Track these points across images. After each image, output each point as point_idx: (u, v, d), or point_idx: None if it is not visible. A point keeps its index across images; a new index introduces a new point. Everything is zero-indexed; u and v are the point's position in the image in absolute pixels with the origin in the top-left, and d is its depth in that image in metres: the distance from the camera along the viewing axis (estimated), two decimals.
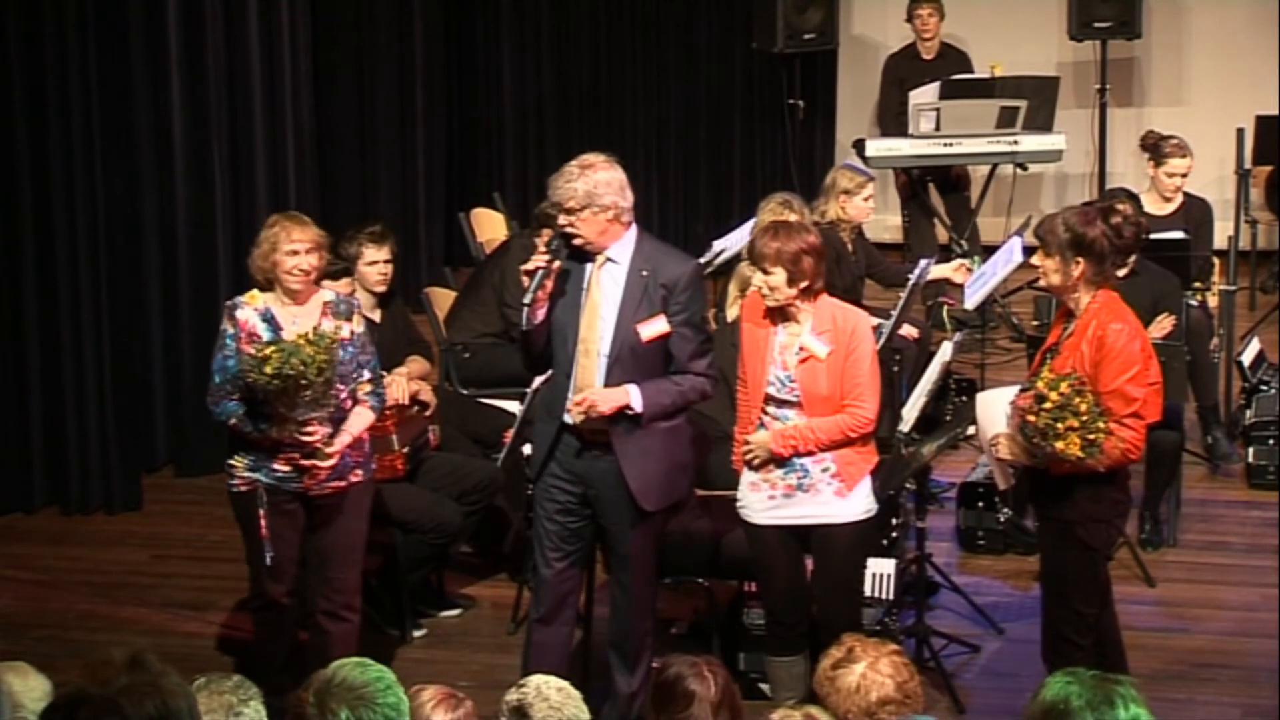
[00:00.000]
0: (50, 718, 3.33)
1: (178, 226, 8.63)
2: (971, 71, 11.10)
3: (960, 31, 11.60)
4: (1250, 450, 8.35)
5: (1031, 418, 5.49)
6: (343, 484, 6.08)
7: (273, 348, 5.84)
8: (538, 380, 6.31)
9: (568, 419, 5.81)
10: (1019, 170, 10.81)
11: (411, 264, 10.87)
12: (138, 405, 8.57)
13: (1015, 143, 10.45)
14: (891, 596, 6.74)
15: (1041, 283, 5.91)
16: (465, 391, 8.03)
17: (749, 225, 8.13)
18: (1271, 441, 8.28)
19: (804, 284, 5.77)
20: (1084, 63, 11.73)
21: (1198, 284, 8.36)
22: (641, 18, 12.33)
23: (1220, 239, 9.08)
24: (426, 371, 7.44)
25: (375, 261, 7.23)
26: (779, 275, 5.75)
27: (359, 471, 6.14)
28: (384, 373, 7.00)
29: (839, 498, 5.85)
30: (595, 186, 5.69)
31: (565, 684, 4.14)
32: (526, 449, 6.59)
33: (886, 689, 4.19)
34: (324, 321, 6.03)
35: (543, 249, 5.76)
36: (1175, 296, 7.77)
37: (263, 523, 6.00)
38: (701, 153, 12.49)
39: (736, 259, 7.90)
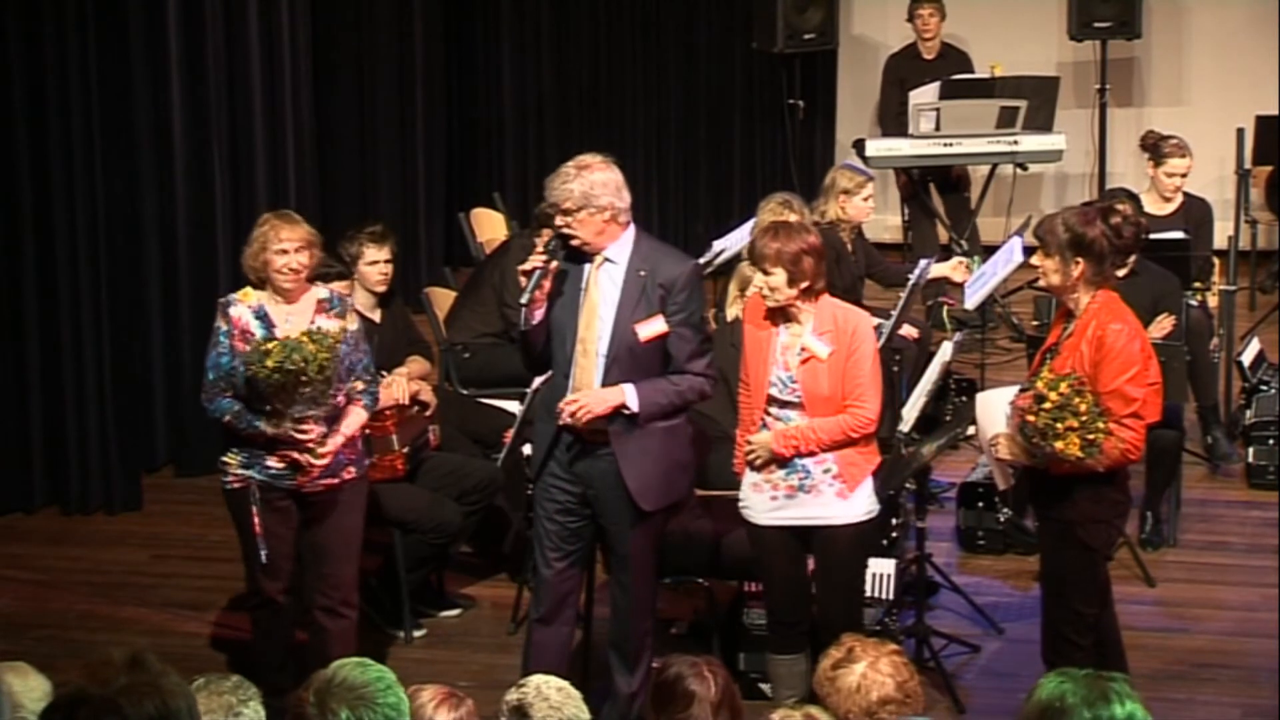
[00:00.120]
0: (50, 718, 3.33)
1: (178, 226, 8.63)
2: (972, 71, 11.10)
3: (960, 31, 11.60)
4: (1250, 450, 8.35)
5: (1031, 418, 5.49)
6: (335, 481, 6.09)
7: (275, 342, 5.84)
8: (538, 380, 6.31)
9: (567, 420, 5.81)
10: (1019, 170, 10.81)
11: (411, 264, 10.87)
12: (138, 405, 8.57)
13: (1015, 143, 10.45)
14: (891, 596, 6.75)
15: (1041, 283, 5.91)
16: (465, 391, 8.03)
17: (749, 225, 8.13)
18: (1271, 441, 8.28)
19: (804, 284, 5.77)
20: (1084, 63, 11.73)
21: (1198, 284, 8.36)
22: (641, 18, 12.33)
23: (1220, 239, 9.09)
24: (426, 371, 7.44)
25: (376, 261, 7.22)
26: (779, 276, 5.75)
27: (352, 469, 6.14)
28: (384, 373, 7.02)
29: (841, 499, 5.84)
30: (592, 187, 5.68)
31: (565, 684, 4.14)
32: (526, 449, 6.59)
33: (887, 689, 4.19)
34: (318, 319, 6.03)
35: (540, 249, 5.76)
36: (1175, 296, 7.77)
37: (256, 520, 6.00)
38: (701, 153, 12.49)
39: (736, 259, 7.90)
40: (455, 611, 7.23)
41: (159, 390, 8.72)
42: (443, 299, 8.55)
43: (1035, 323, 9.98)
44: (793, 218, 7.36)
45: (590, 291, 5.76)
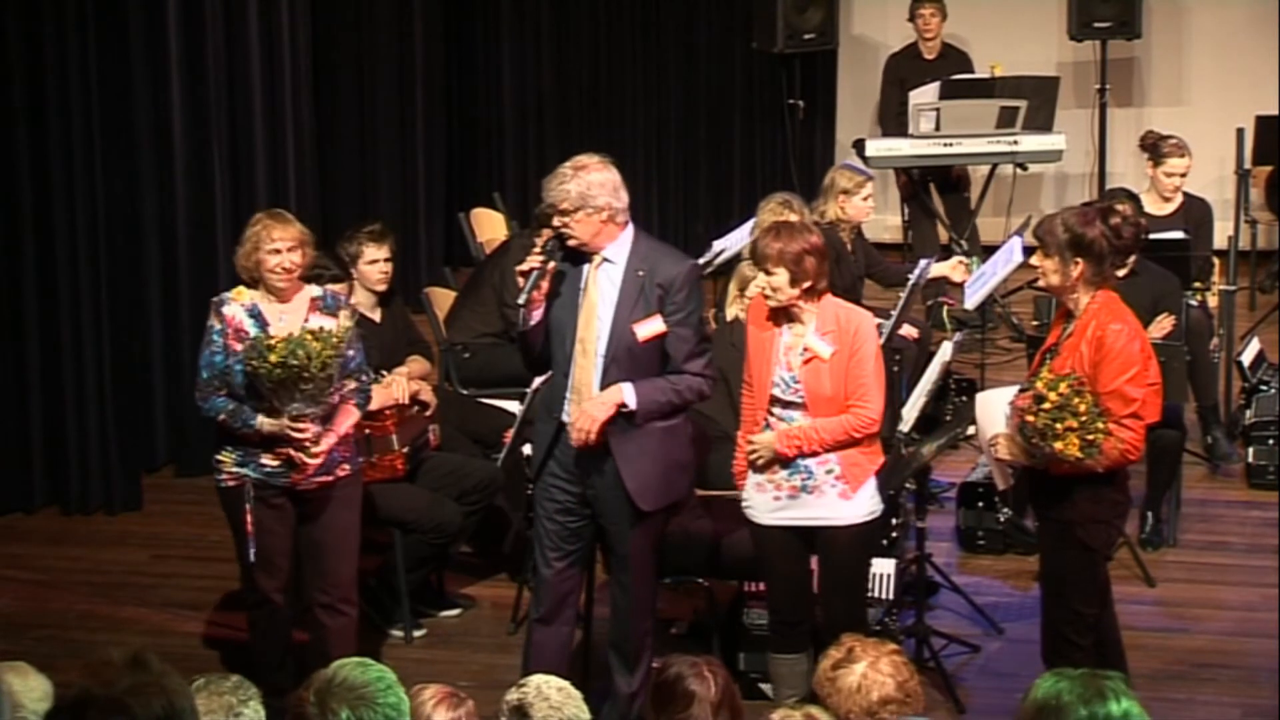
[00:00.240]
0: (57, 718, 3.33)
1: (178, 226, 8.63)
2: (972, 71, 11.11)
3: (961, 31, 11.60)
4: (1250, 450, 8.35)
5: (1030, 418, 5.49)
6: (330, 478, 6.09)
7: (280, 339, 5.85)
8: (538, 380, 6.31)
9: (566, 419, 5.81)
10: (1019, 170, 10.81)
11: (411, 264, 10.87)
12: (138, 405, 8.57)
13: (1015, 143, 10.45)
14: (891, 596, 6.75)
15: (1041, 283, 5.90)
16: (465, 391, 8.03)
17: (749, 225, 8.13)
18: (1271, 441, 8.28)
19: (807, 284, 5.76)
20: (1084, 63, 11.73)
21: (1198, 284, 8.36)
22: (641, 18, 12.33)
23: (1220, 239, 9.09)
24: (427, 371, 7.44)
25: (376, 260, 7.22)
26: (781, 276, 5.75)
27: (346, 466, 6.15)
28: (384, 373, 7.02)
29: (843, 499, 5.84)
30: (589, 188, 5.68)
31: (565, 684, 4.14)
32: (526, 449, 6.59)
33: (887, 688, 4.19)
34: (312, 318, 6.03)
35: (538, 250, 5.76)
36: (1175, 296, 7.77)
37: (248, 518, 6.00)
38: (701, 153, 12.49)
39: (736, 259, 7.91)
40: (455, 611, 7.23)
41: (159, 390, 8.72)
42: (443, 299, 8.55)
43: (1035, 323, 9.99)
44: (793, 218, 7.36)
45: (589, 291, 5.76)
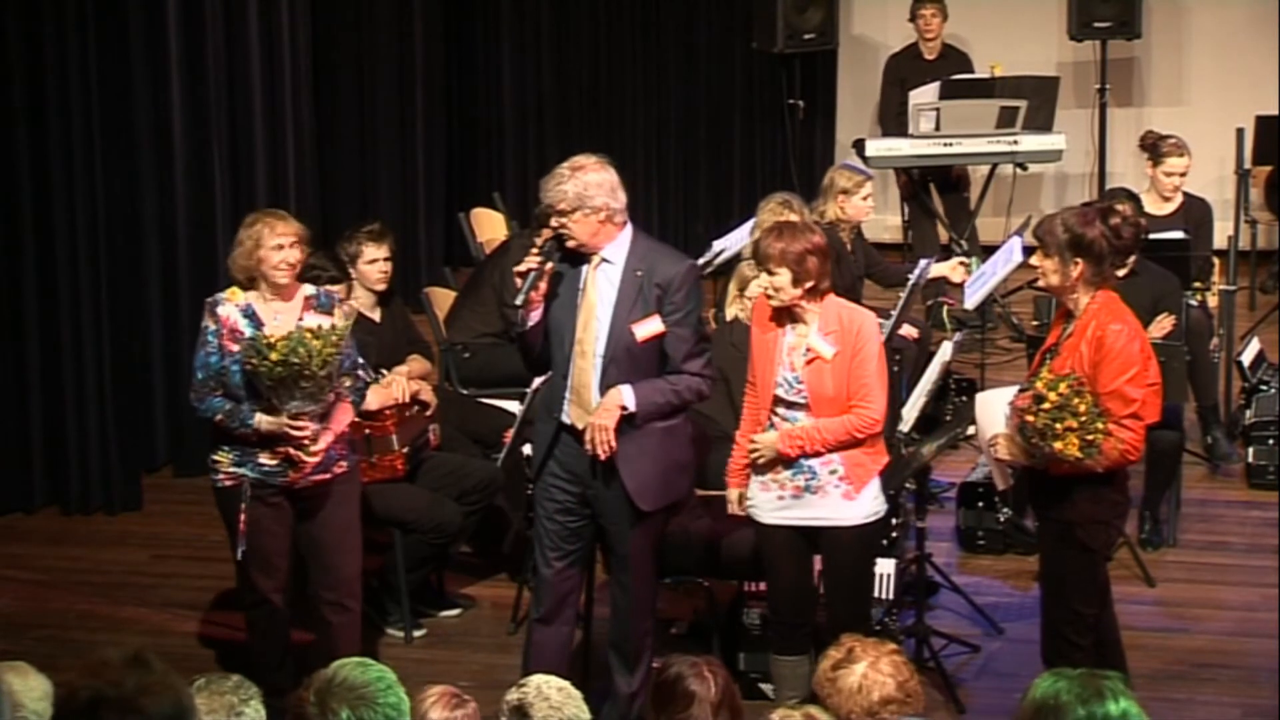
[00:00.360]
0: None
1: (178, 226, 8.63)
2: (972, 71, 11.11)
3: (961, 32, 11.60)
4: (1250, 450, 8.35)
5: (1030, 418, 5.49)
6: (327, 476, 6.09)
7: (280, 337, 5.85)
8: (537, 380, 6.31)
9: (566, 420, 5.81)
10: (1019, 170, 10.81)
11: (411, 264, 10.87)
12: (138, 405, 8.58)
13: (1015, 143, 10.45)
14: (891, 596, 6.74)
15: (1041, 283, 5.90)
16: (465, 391, 8.02)
17: (749, 225, 8.13)
18: (1271, 441, 8.28)
19: (809, 284, 5.76)
20: (1084, 63, 11.73)
21: (1198, 284, 8.35)
22: (641, 18, 12.33)
23: (1220, 239, 9.08)
24: (427, 371, 7.44)
25: (375, 260, 7.23)
26: (784, 276, 5.75)
27: (343, 463, 6.15)
28: (384, 371, 7.02)
29: (847, 500, 5.84)
30: (586, 189, 5.68)
31: (565, 684, 4.14)
32: (526, 449, 6.59)
33: (888, 688, 4.19)
34: (307, 316, 6.03)
35: (535, 251, 5.75)
36: (1175, 296, 7.77)
37: (241, 517, 5.99)
38: (701, 153, 12.49)
39: (736, 259, 7.91)
40: (455, 611, 7.23)
41: (159, 390, 8.72)
42: (443, 299, 8.55)
43: (1035, 323, 9.99)
44: (793, 217, 7.36)
45: (587, 292, 5.76)
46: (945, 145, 10.48)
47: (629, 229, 5.80)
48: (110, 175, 8.21)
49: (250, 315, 6.02)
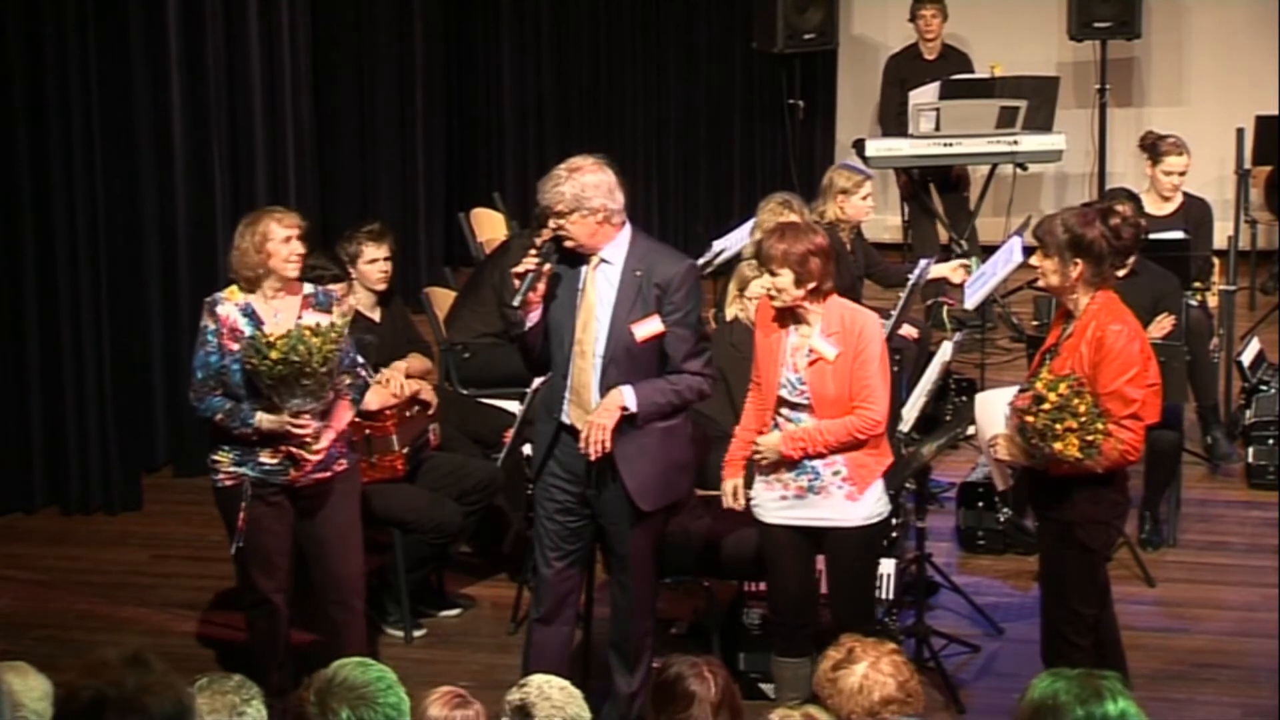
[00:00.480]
0: None
1: (178, 226, 8.63)
2: (972, 71, 11.11)
3: (961, 32, 11.60)
4: (1250, 450, 8.35)
5: (1030, 418, 5.48)
6: (328, 474, 6.09)
7: (278, 335, 5.85)
8: (537, 380, 6.31)
9: (566, 420, 5.81)
10: (1019, 170, 10.81)
11: (411, 264, 10.87)
12: (138, 405, 8.58)
13: (1015, 143, 10.45)
14: (891, 596, 6.74)
15: (1040, 283, 5.90)
16: (465, 391, 8.02)
17: (749, 225, 8.13)
18: (1271, 441, 8.28)
19: (812, 285, 5.75)
20: (1084, 63, 11.73)
21: (1198, 284, 8.36)
22: (641, 18, 12.33)
23: (1220, 239, 9.08)
24: (427, 369, 7.43)
25: (375, 259, 7.23)
26: (786, 277, 5.74)
27: (343, 461, 6.15)
28: (383, 369, 7.02)
29: (850, 501, 5.84)
30: (583, 190, 5.68)
31: (566, 683, 4.14)
32: (526, 449, 6.59)
33: (889, 688, 4.19)
34: (305, 314, 6.03)
35: (533, 252, 5.75)
36: (1175, 296, 7.77)
37: (241, 515, 5.99)
38: (701, 153, 12.49)
39: (736, 259, 7.91)
40: (455, 611, 7.23)
41: (159, 390, 8.72)
42: (443, 299, 8.55)
43: (1035, 323, 9.99)
44: (793, 218, 7.36)
45: (587, 293, 5.76)
46: (945, 145, 10.48)
47: (628, 229, 5.80)
48: (110, 175, 8.21)
49: (250, 314, 6.02)
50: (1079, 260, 5.59)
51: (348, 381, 6.13)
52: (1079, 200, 10.70)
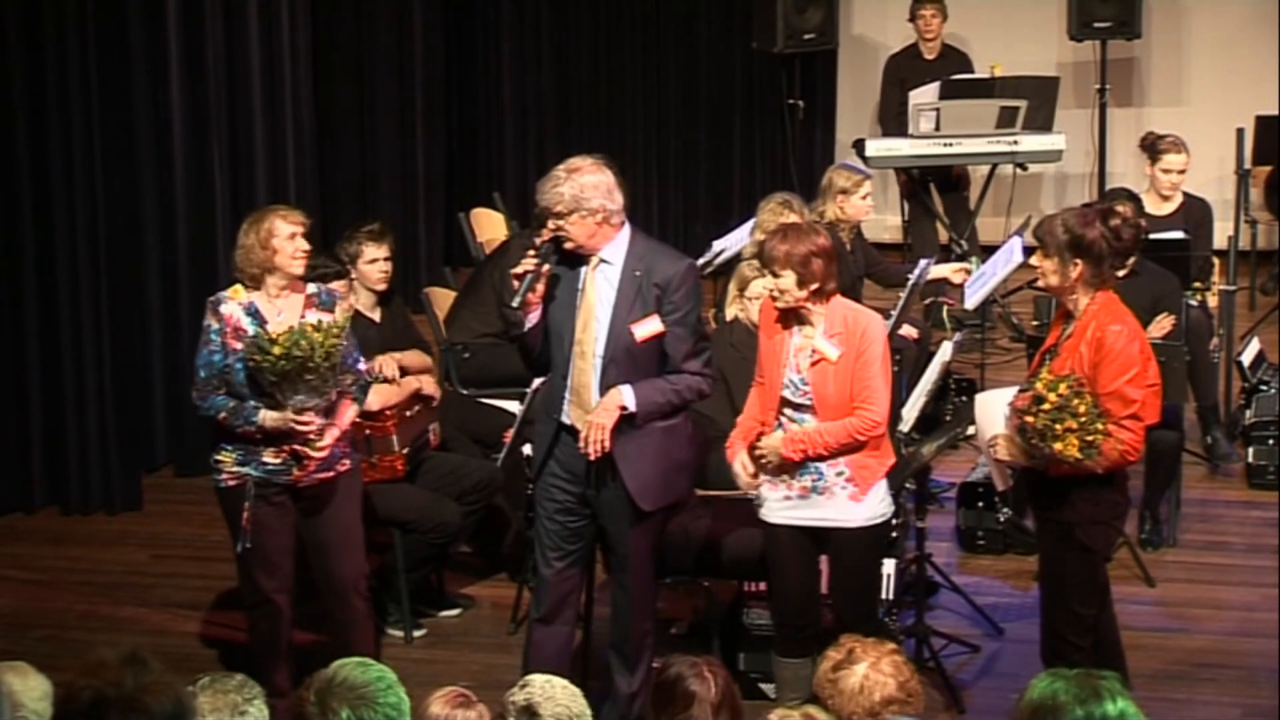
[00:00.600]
0: None
1: (178, 226, 8.63)
2: (972, 71, 11.11)
3: (960, 32, 11.60)
4: (1250, 450, 8.35)
5: (1030, 419, 5.48)
6: (330, 474, 6.09)
7: (280, 332, 5.85)
8: (537, 380, 6.31)
9: (566, 420, 5.81)
10: (1019, 170, 10.81)
11: (411, 264, 10.88)
12: (138, 405, 8.57)
13: (1015, 143, 10.45)
14: (891, 596, 6.74)
15: (1040, 283, 5.90)
16: (465, 391, 8.02)
17: (748, 225, 8.14)
18: (1271, 441, 8.28)
19: (814, 286, 5.75)
20: (1084, 63, 11.73)
21: (1198, 284, 8.36)
22: (641, 18, 12.33)
23: (1220, 239, 9.08)
24: (426, 366, 7.42)
25: (375, 259, 7.23)
26: (789, 278, 5.74)
27: (346, 461, 6.15)
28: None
29: (853, 502, 5.84)
30: (582, 190, 5.68)
31: (566, 682, 4.13)
32: (526, 449, 6.59)
33: (889, 689, 4.19)
34: (308, 314, 6.03)
35: (532, 253, 5.75)
36: (1175, 296, 7.77)
37: (245, 514, 5.99)
38: (701, 153, 12.49)
39: (736, 259, 7.91)
40: (455, 611, 7.23)
41: (159, 390, 8.72)
42: (443, 299, 8.55)
43: (1035, 323, 9.98)
44: (793, 218, 7.37)
45: (586, 293, 5.76)
46: (945, 145, 10.48)
47: (627, 229, 5.80)
48: (110, 175, 8.21)
49: (253, 313, 6.02)
50: (1079, 261, 5.59)
51: (350, 381, 6.13)
52: (1079, 200, 10.70)
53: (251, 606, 6.22)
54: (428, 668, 6.55)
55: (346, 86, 10.67)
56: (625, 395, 5.69)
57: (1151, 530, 7.70)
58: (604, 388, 5.73)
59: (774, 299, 5.83)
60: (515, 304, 5.70)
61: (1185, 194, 8.75)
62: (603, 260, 5.76)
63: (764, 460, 5.88)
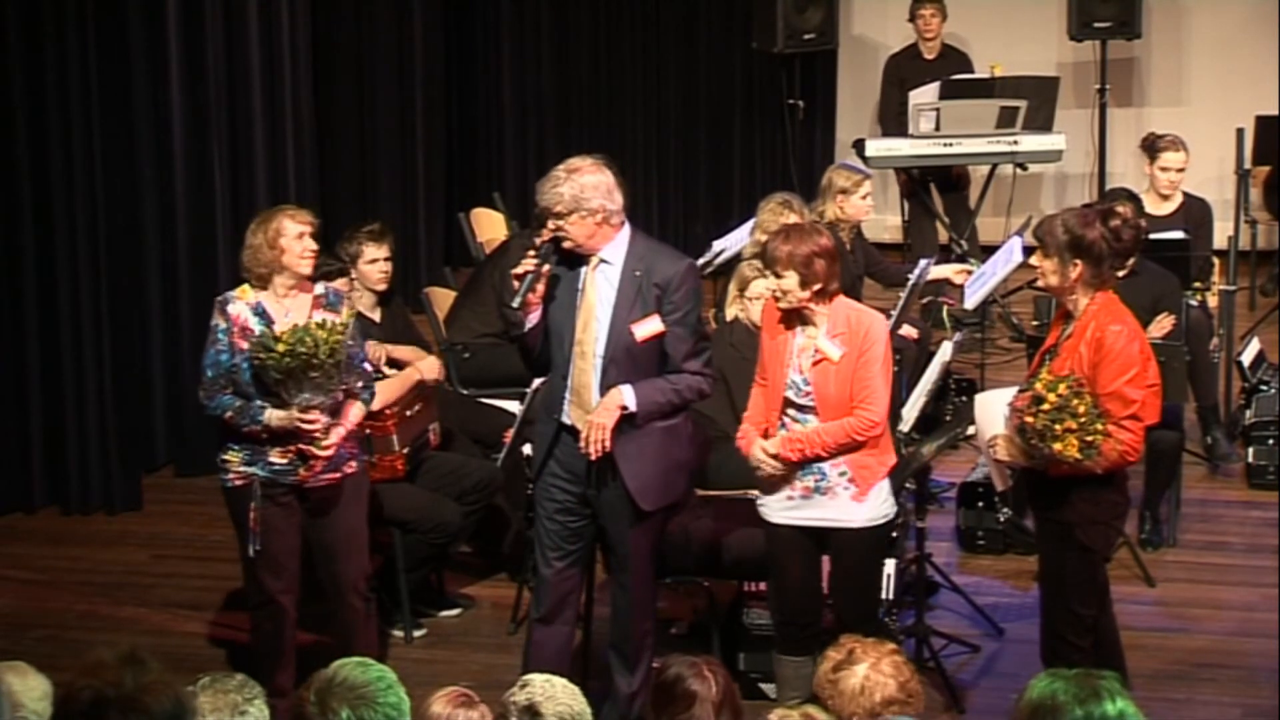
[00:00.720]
0: None
1: (178, 226, 8.63)
2: (972, 71, 11.11)
3: (960, 31, 11.61)
4: (1250, 450, 8.35)
5: (1029, 419, 5.48)
6: (338, 475, 6.09)
7: (284, 331, 5.85)
8: (537, 380, 6.31)
9: (566, 420, 5.81)
10: (1019, 170, 10.81)
11: (411, 264, 10.88)
12: (138, 405, 8.57)
13: (1015, 143, 10.45)
14: (891, 596, 6.74)
15: (1040, 283, 5.90)
16: (465, 391, 8.02)
17: (748, 225, 8.14)
18: (1271, 441, 8.28)
19: (817, 286, 5.74)
20: (1084, 63, 11.73)
21: (1197, 284, 8.36)
22: (641, 18, 12.33)
23: (1220, 239, 9.09)
24: (423, 359, 7.39)
25: (376, 260, 7.24)
26: (791, 279, 5.73)
27: (353, 463, 6.15)
28: (383, 371, 7.02)
29: (855, 502, 5.83)
30: (582, 190, 5.68)
31: (565, 681, 4.13)
32: (526, 449, 6.59)
33: (890, 689, 4.19)
34: (315, 314, 6.03)
35: (532, 254, 5.75)
36: (1175, 296, 7.77)
37: (252, 515, 5.99)
38: (701, 153, 12.49)
39: (736, 259, 7.91)
40: (455, 611, 7.23)
41: (159, 390, 8.72)
42: (443, 299, 8.55)
43: (1035, 323, 9.98)
44: (793, 218, 7.37)
45: (587, 293, 5.76)
46: (945, 145, 10.48)
47: (627, 229, 5.80)
48: (110, 175, 8.21)
49: (261, 313, 6.02)
50: (1079, 261, 5.59)
51: (359, 384, 6.13)
52: (1079, 200, 10.71)
53: (256, 607, 6.22)
54: (428, 668, 6.55)
55: (346, 86, 10.67)
56: (626, 395, 5.69)
57: (1151, 530, 7.70)
58: (604, 388, 5.73)
59: (777, 300, 5.82)
60: (515, 304, 5.70)
61: (1185, 194, 8.75)
62: (603, 260, 5.76)
63: (761, 470, 5.86)
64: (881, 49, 11.96)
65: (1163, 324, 7.59)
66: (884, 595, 6.69)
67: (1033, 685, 3.63)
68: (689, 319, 5.78)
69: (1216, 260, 8.84)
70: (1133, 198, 8.02)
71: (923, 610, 6.63)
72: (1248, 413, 8.56)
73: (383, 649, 6.75)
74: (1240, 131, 10.16)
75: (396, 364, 7.20)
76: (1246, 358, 8.65)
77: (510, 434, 7.12)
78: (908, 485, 6.80)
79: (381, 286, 7.29)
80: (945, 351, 7.08)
